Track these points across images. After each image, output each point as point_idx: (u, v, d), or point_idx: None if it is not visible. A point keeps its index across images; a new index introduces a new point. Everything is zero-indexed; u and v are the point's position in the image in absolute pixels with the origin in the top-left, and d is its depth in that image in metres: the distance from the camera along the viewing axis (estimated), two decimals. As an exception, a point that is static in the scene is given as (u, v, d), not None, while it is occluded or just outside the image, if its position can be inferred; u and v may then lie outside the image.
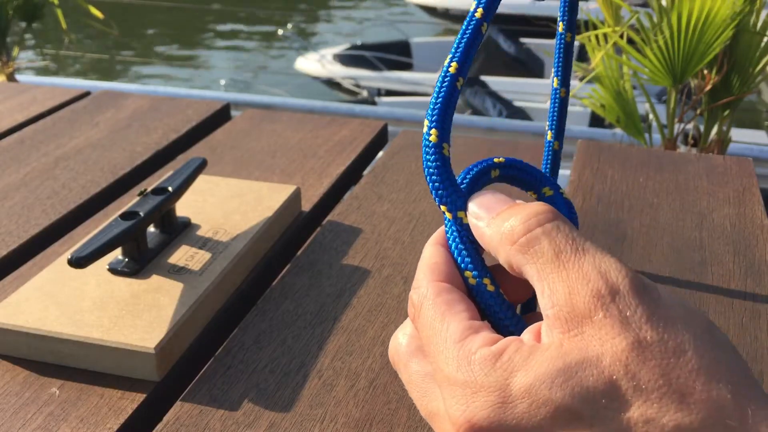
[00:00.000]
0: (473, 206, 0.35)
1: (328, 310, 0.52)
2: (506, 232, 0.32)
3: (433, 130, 0.35)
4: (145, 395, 0.45)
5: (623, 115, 1.77)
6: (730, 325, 0.51)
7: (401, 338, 0.36)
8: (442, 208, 0.36)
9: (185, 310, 0.48)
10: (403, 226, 0.63)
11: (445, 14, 9.32)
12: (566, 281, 0.30)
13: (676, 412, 0.26)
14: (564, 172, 0.80)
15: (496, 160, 0.38)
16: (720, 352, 0.28)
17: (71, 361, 0.47)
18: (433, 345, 0.32)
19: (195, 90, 2.74)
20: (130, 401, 0.44)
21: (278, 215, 0.61)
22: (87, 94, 0.94)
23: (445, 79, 0.35)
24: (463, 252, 0.35)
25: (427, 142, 0.35)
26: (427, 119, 0.35)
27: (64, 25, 2.60)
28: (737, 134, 1.95)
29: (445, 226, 0.37)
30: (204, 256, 0.54)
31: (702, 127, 1.81)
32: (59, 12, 2.56)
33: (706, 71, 1.69)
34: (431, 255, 0.36)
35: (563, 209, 0.37)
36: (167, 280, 0.51)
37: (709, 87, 1.68)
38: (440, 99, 0.35)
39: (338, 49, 7.66)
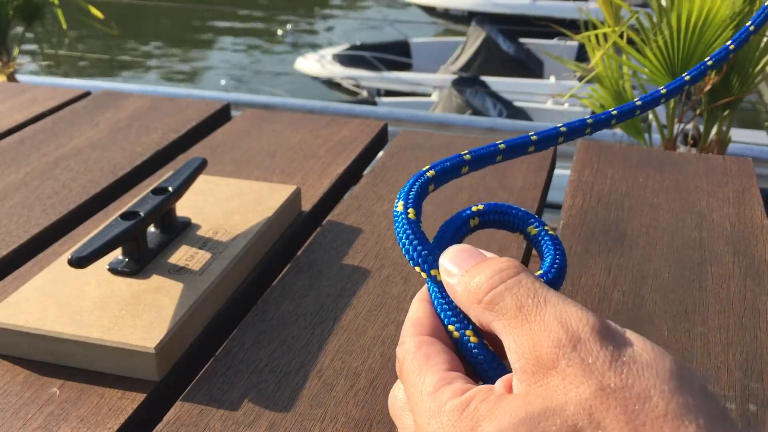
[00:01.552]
0: (444, 262, 0.35)
1: (328, 310, 0.52)
2: (473, 290, 0.33)
3: (400, 202, 0.37)
4: (145, 395, 0.45)
5: (623, 115, 1.77)
6: (730, 325, 0.51)
7: (398, 392, 0.36)
8: (416, 268, 0.37)
9: (185, 310, 0.48)
10: (403, 226, 0.63)
11: (445, 14, 9.33)
12: (530, 334, 0.30)
13: None
14: (564, 172, 0.80)
15: (474, 208, 0.38)
16: (689, 396, 0.27)
17: (71, 361, 0.47)
18: (412, 398, 0.33)
19: (195, 90, 2.74)
20: (130, 401, 0.44)
21: (278, 215, 0.61)
22: (87, 94, 0.94)
23: (419, 179, 0.38)
24: (444, 306, 0.36)
25: (395, 212, 0.37)
26: (398, 196, 0.38)
27: (64, 25, 2.60)
28: (737, 134, 1.95)
29: (427, 283, 0.37)
30: (204, 256, 0.54)
31: (702, 127, 1.81)
32: (59, 12, 2.56)
33: (705, 71, 1.69)
34: (416, 311, 0.37)
35: (549, 246, 0.38)
36: (167, 280, 0.51)
37: (708, 87, 1.67)
38: (408, 183, 0.38)
39: (338, 49, 7.67)
